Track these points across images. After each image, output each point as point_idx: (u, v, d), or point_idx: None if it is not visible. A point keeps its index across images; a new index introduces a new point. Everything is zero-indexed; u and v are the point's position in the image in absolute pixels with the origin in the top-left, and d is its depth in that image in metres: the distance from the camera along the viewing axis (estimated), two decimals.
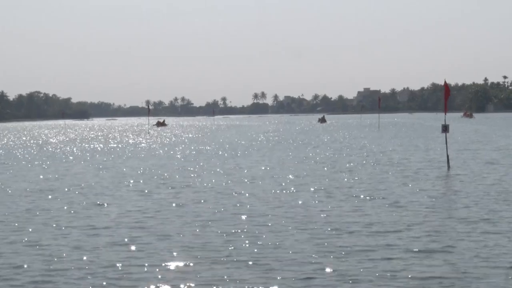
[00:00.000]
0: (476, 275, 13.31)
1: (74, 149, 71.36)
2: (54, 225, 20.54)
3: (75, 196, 28.17)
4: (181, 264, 14.91)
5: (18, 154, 63.29)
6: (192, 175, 36.93)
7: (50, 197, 27.92)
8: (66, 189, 30.53)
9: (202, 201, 25.49)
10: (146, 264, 14.82)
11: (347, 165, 41.43)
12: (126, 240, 17.88)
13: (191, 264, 14.82)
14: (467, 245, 16.38)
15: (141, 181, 33.62)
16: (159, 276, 13.79)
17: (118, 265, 14.80)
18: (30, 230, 19.77)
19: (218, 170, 39.83)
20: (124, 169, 41.90)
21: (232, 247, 16.50)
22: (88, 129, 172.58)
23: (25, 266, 14.84)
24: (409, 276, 13.35)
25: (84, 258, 15.60)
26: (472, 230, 18.29)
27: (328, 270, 13.94)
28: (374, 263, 14.44)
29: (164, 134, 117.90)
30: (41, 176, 37.74)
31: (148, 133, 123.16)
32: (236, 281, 13.15)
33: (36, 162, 50.38)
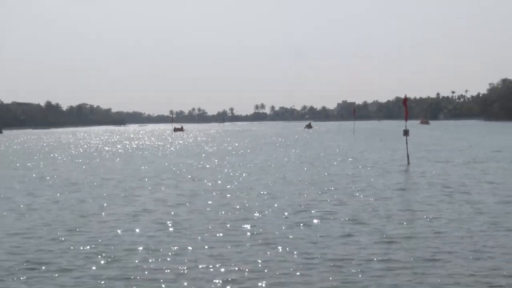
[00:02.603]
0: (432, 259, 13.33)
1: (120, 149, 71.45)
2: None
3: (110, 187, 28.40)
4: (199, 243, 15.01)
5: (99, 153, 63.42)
6: (204, 171, 37.15)
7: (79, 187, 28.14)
8: (96, 183, 30.70)
9: (214, 193, 25.59)
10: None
11: (327, 162, 41.51)
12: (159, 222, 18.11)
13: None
14: (419, 230, 16.45)
15: (162, 177, 33.73)
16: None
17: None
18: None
19: (223, 167, 40.03)
20: (143, 167, 42.04)
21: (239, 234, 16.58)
22: (126, 134, 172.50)
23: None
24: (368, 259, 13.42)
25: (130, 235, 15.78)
26: (423, 216, 18.37)
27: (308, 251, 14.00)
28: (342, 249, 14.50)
29: (183, 137, 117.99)
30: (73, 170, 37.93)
31: (171, 136, 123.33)
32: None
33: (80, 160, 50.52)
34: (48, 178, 33.68)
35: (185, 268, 12.28)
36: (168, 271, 12.12)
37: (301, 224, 16.81)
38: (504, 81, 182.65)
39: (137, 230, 16.53)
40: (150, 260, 12.96)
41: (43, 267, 12.66)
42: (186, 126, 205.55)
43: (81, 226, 17.33)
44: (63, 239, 15.59)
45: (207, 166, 40.14)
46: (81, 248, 14.41)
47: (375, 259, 12.59)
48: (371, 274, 11.48)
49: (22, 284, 11.46)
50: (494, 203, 20.04)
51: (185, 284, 11.19)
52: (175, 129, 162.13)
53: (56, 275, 12.05)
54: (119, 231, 16.50)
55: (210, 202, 21.84)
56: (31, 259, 13.36)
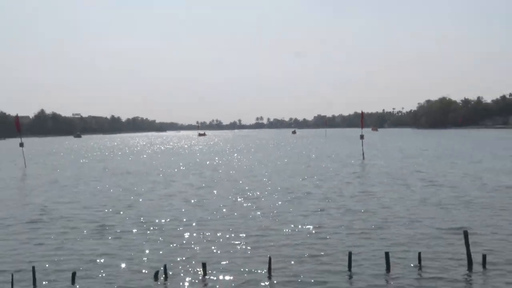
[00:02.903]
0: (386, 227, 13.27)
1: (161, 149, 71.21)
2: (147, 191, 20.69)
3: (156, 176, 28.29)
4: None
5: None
6: (216, 163, 37.05)
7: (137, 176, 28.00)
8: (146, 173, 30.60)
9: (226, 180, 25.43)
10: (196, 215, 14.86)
11: (307, 157, 41.43)
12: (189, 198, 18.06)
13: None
14: (371, 204, 16.39)
15: (188, 167, 33.61)
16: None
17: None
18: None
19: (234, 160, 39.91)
20: (172, 159, 41.85)
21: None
22: (166, 138, 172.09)
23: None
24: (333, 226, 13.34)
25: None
26: (374, 196, 18.30)
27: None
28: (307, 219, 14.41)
29: (205, 140, 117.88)
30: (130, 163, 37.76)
31: (197, 139, 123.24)
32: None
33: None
34: (111, 168, 33.66)
35: (206, 233, 12.19)
36: (194, 235, 12.06)
37: (289, 202, 16.68)
38: (428, 101, 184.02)
39: (173, 206, 16.41)
40: (180, 228, 12.89)
41: (108, 231, 12.60)
42: (207, 132, 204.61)
43: (134, 203, 17.25)
44: (121, 212, 15.55)
45: (222, 160, 40.05)
46: (134, 218, 14.34)
47: (341, 226, 12.51)
48: (338, 237, 11.41)
49: (94, 242, 11.44)
50: (422, 186, 19.95)
51: (206, 244, 11.09)
52: (200, 134, 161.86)
53: (118, 237, 11.99)
54: (160, 206, 16.41)
55: (224, 186, 21.75)
56: (98, 225, 13.33)
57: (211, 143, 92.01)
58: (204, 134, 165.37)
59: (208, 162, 37.72)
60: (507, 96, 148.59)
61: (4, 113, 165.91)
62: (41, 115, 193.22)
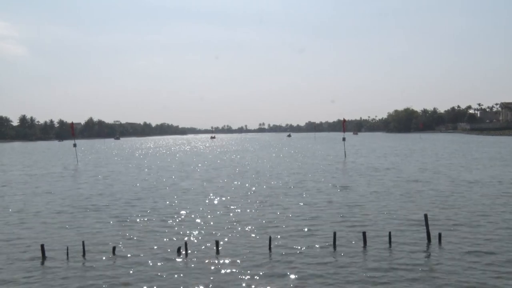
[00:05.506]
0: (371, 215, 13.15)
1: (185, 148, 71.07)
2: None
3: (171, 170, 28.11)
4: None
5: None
6: (223, 160, 36.89)
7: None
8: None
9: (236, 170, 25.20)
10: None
11: (300, 155, 41.24)
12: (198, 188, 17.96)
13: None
14: (359, 194, 16.22)
15: (203, 164, 33.45)
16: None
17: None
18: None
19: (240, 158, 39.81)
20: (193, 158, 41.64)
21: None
22: (186, 140, 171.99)
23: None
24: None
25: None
26: (353, 185, 18.14)
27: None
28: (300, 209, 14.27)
29: (215, 141, 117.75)
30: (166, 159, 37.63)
31: (209, 141, 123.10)
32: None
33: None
34: (139, 165, 33.57)
35: (217, 218, 12.13)
36: (208, 219, 11.96)
37: (285, 193, 16.51)
38: (395, 111, 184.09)
39: (187, 196, 16.31)
40: (197, 214, 12.81)
41: (128, 220, 12.25)
42: (219, 135, 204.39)
43: (161, 193, 17.19)
44: (149, 201, 15.48)
45: (231, 157, 39.95)
46: (148, 206, 14.25)
47: (328, 213, 12.39)
48: (325, 221, 11.33)
49: (126, 225, 11.40)
50: (391, 179, 19.77)
51: (217, 226, 11.04)
52: (211, 137, 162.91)
53: (147, 220, 11.94)
54: (181, 196, 16.32)
55: (233, 179, 21.59)
56: (129, 213, 13.20)
57: (222, 143, 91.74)
58: (214, 137, 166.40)
59: (219, 159, 37.61)
60: (456, 108, 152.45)
61: (62, 121, 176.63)
62: (89, 122, 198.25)
